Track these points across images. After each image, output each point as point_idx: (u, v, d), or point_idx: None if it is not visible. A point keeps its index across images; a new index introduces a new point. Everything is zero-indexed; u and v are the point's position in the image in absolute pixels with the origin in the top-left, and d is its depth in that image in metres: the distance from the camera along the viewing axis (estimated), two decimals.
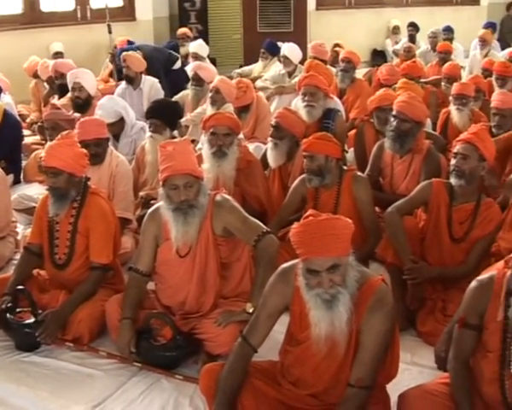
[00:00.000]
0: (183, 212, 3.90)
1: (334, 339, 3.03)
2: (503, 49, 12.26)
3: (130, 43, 9.88)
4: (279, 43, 10.09)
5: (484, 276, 3.29)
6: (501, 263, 3.30)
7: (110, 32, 9.20)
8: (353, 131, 7.10)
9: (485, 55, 10.79)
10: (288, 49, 9.23)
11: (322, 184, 4.93)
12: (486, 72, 8.90)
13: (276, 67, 9.53)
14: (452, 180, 4.49)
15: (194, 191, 3.93)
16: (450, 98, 6.95)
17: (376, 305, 3.04)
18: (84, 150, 4.56)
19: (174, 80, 8.38)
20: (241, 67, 11.45)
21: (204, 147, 5.26)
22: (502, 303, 3.12)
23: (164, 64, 8.86)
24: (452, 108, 6.83)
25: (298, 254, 3.03)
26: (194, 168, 3.95)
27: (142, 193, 5.80)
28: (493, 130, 5.91)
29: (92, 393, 3.82)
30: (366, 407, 3.14)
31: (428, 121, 6.55)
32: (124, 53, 8.28)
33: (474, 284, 3.28)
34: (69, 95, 7.43)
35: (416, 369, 4.05)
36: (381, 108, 6.13)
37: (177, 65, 9.40)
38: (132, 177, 5.68)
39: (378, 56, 14.44)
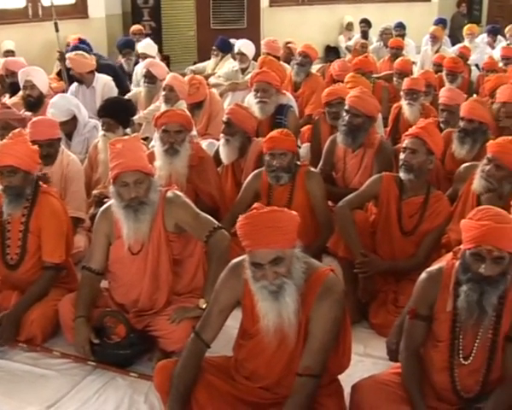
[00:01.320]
0: (134, 209, 3.90)
1: (284, 330, 3.05)
2: (453, 44, 12.49)
3: (81, 41, 9.77)
4: (232, 40, 10.08)
5: (433, 267, 3.36)
6: (450, 254, 3.37)
7: (57, 31, 9.07)
8: (307, 127, 7.16)
9: (437, 51, 10.96)
10: (244, 45, 9.23)
11: (274, 182, 4.97)
12: (437, 67, 9.03)
13: (230, 64, 9.51)
14: (401, 174, 4.55)
15: (145, 188, 3.93)
16: (402, 93, 7.04)
17: (325, 293, 3.06)
18: (36, 148, 4.53)
19: None
20: (194, 63, 11.43)
21: (156, 144, 5.26)
22: (451, 294, 3.19)
23: None
24: (403, 102, 6.92)
25: (243, 246, 3.04)
26: (143, 165, 3.95)
27: (95, 191, 5.74)
28: (441, 125, 5.99)
29: (46, 393, 3.80)
30: (319, 398, 3.18)
31: (380, 116, 6.62)
32: (68, 54, 8.21)
33: (423, 275, 3.35)
34: (21, 93, 7.33)
35: (369, 360, 4.12)
36: (330, 103, 6.20)
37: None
38: (84, 176, 5.65)
39: (331, 52, 14.54)
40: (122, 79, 9.14)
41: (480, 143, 5.39)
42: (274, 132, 5.03)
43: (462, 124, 5.50)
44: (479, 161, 4.75)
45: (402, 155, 4.56)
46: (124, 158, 3.86)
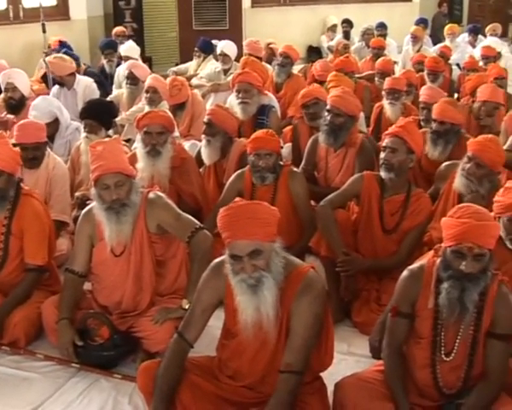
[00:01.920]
0: (116, 211, 3.91)
1: (264, 326, 3.06)
2: (434, 44, 12.54)
3: (62, 43, 9.75)
4: (214, 41, 10.09)
5: (414, 265, 3.39)
6: (431, 252, 3.40)
7: (44, 32, 9.05)
8: (289, 127, 7.17)
9: (418, 51, 11.06)
10: (226, 46, 9.25)
11: (259, 182, 4.99)
12: (418, 65, 9.09)
13: (212, 65, 9.52)
14: (382, 173, 4.58)
15: (126, 190, 3.94)
16: (383, 93, 7.08)
17: (305, 289, 3.07)
18: (18, 150, 4.51)
19: None
20: (176, 65, 11.42)
21: (138, 146, 5.26)
22: (432, 291, 3.23)
23: None
24: (385, 102, 6.98)
25: (223, 239, 3.06)
26: (124, 167, 3.96)
27: (77, 193, 5.73)
28: (421, 123, 6.05)
29: (30, 396, 3.78)
30: (302, 397, 3.19)
31: (362, 115, 6.65)
32: (47, 58, 8.21)
33: (405, 273, 3.39)
34: (2, 96, 7.29)
35: (352, 359, 4.13)
36: (306, 104, 6.22)
37: None
38: (69, 179, 5.63)
39: (313, 53, 14.57)
40: (105, 85, 9.17)
41: (453, 144, 5.43)
42: (259, 133, 5.06)
43: (434, 126, 5.53)
44: (454, 159, 4.79)
45: (382, 154, 4.59)
46: (104, 160, 3.87)
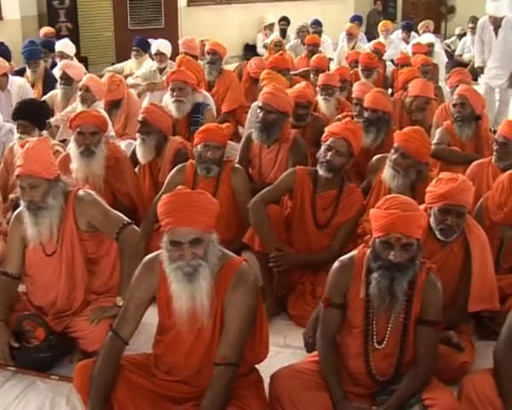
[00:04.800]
0: (33, 212, 3.90)
1: (197, 314, 3.08)
2: (369, 41, 12.70)
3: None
4: (150, 40, 10.03)
5: (345, 256, 3.47)
6: (361, 243, 3.47)
7: None
8: (225, 124, 7.18)
9: (353, 48, 11.18)
10: (162, 44, 9.20)
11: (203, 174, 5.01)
12: (355, 63, 9.19)
13: (148, 64, 9.47)
14: (321, 172, 4.63)
15: (41, 192, 3.90)
16: (317, 89, 7.15)
17: (237, 282, 3.11)
18: None
19: None
20: (112, 64, 11.31)
21: (72, 146, 5.19)
22: (363, 281, 3.30)
23: None
24: (319, 98, 7.05)
25: (163, 225, 3.08)
26: (37, 170, 3.89)
27: (11, 196, 5.66)
28: (355, 119, 6.13)
29: None
30: (238, 390, 3.22)
31: None
32: None
33: (336, 264, 3.45)
34: None
35: (288, 351, 4.19)
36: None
37: None
38: None
39: (250, 51, 14.61)
40: None
41: (384, 132, 5.55)
42: (210, 125, 5.12)
43: (366, 114, 5.66)
44: (385, 150, 4.89)
45: (325, 153, 4.64)
46: (23, 161, 3.87)
